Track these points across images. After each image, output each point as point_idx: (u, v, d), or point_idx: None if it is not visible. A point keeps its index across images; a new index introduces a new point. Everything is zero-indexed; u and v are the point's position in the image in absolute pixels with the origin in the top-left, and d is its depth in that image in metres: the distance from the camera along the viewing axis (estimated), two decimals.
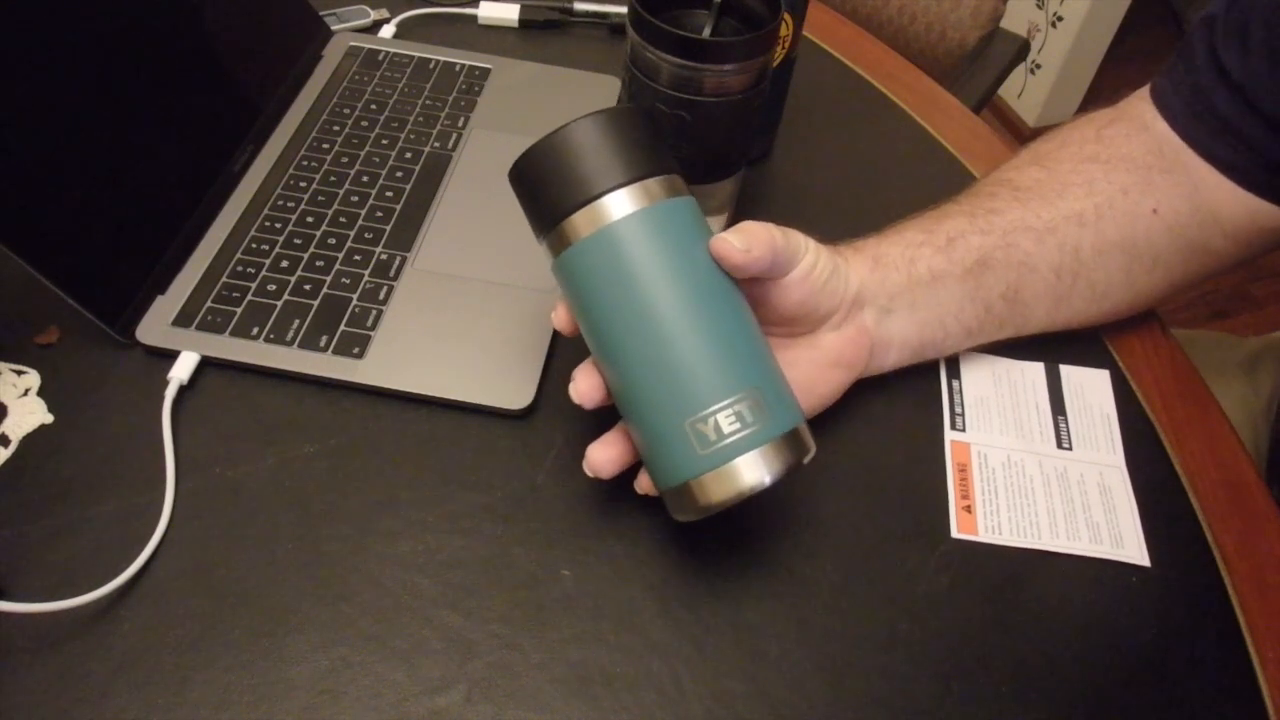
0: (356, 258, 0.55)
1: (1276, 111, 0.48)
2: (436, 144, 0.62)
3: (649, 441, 0.39)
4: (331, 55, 0.68)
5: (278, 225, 0.56)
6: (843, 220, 0.51)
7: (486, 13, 0.74)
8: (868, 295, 0.47)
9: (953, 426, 0.51)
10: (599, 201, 0.39)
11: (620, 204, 0.39)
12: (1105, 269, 0.51)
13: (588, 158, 0.39)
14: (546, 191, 0.40)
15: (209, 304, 0.51)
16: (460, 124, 0.64)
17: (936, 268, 0.48)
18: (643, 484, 0.43)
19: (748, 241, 0.40)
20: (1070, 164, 0.53)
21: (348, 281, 0.53)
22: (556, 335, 0.52)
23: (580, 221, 0.39)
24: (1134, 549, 0.47)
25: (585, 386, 0.41)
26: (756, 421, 0.38)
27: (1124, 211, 0.51)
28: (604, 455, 0.42)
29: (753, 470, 0.38)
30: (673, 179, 0.41)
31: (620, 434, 0.43)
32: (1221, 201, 0.51)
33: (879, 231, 0.50)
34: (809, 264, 0.44)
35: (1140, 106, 0.54)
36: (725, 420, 0.37)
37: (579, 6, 0.74)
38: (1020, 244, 0.50)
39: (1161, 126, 0.53)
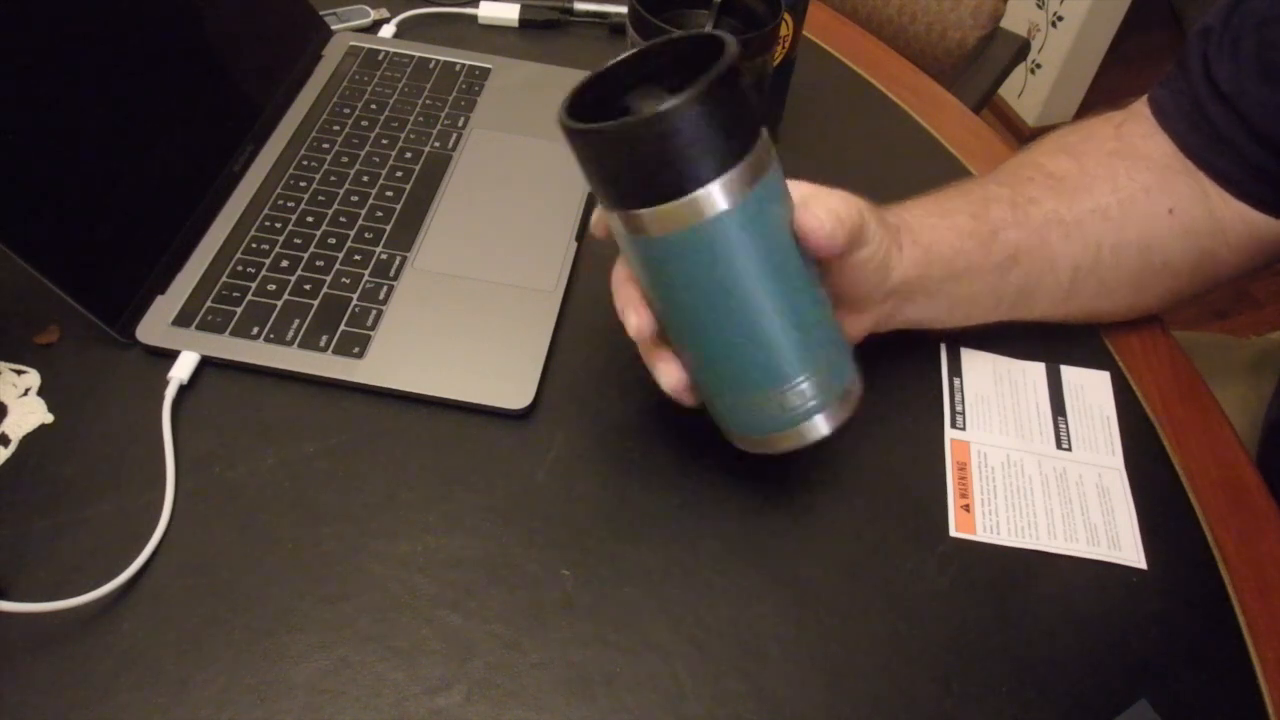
0: (356, 257, 0.55)
1: (1265, 124, 0.48)
2: (436, 144, 0.62)
3: (729, 406, 0.42)
4: (331, 55, 0.68)
5: (278, 225, 0.56)
6: None
7: (486, 12, 0.74)
8: (904, 290, 0.47)
9: (953, 425, 0.51)
10: (697, 195, 0.36)
11: (718, 198, 0.36)
12: (1117, 268, 0.51)
13: (690, 144, 0.35)
14: (636, 173, 0.36)
15: (209, 304, 0.51)
16: (460, 124, 0.64)
17: (974, 262, 0.48)
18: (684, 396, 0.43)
19: (834, 228, 0.39)
20: (1095, 157, 0.53)
21: (348, 281, 0.53)
22: (556, 335, 0.52)
23: (674, 213, 0.36)
24: (1131, 551, 0.47)
25: (677, 379, 0.42)
26: (827, 387, 0.41)
27: (1144, 211, 0.51)
28: (678, 375, 0.42)
29: (820, 427, 0.42)
30: (761, 145, 0.37)
31: (671, 358, 0.42)
32: (1224, 212, 0.51)
33: (937, 202, 0.49)
34: (868, 254, 0.43)
35: (1147, 112, 0.54)
36: (803, 391, 0.41)
37: (579, 6, 0.74)
38: (1050, 239, 0.50)
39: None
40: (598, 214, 0.41)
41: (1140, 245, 0.51)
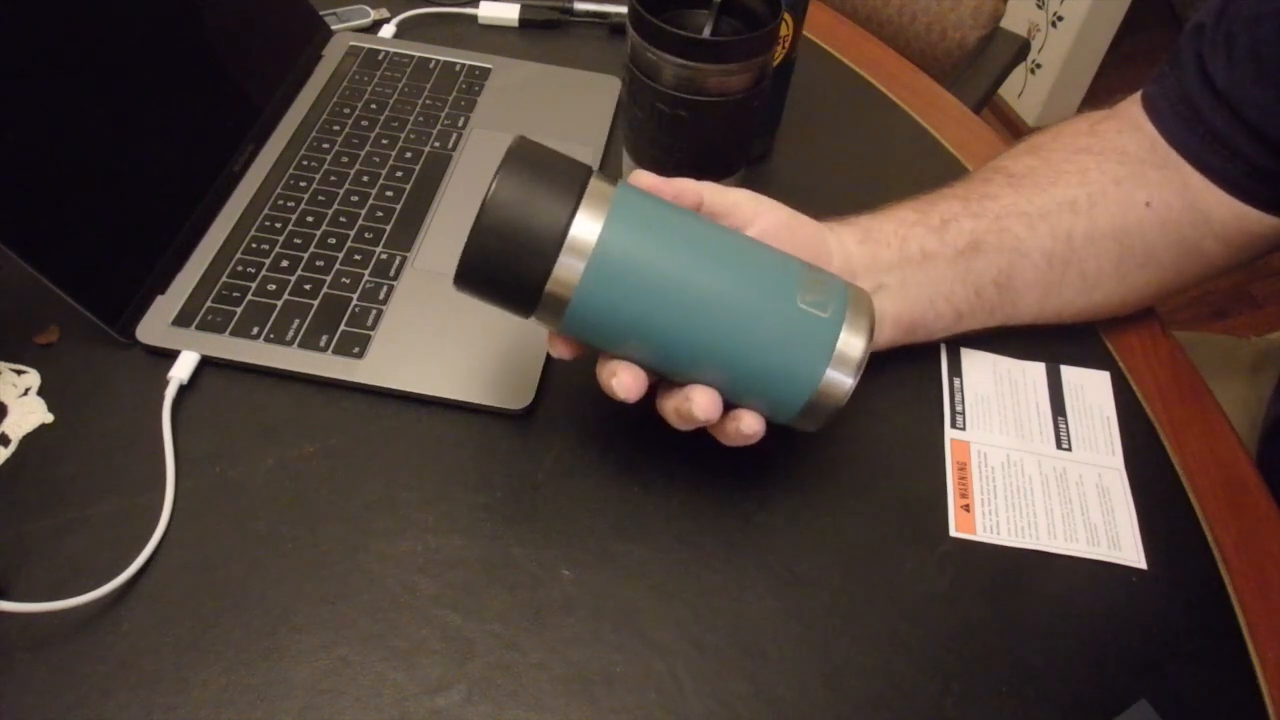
0: (356, 257, 0.55)
1: (1259, 120, 0.48)
2: (436, 144, 0.62)
3: (776, 378, 0.40)
4: (331, 55, 0.68)
5: (278, 225, 0.56)
6: None
7: (486, 12, 0.74)
8: (859, 268, 0.47)
9: (953, 425, 0.51)
10: (570, 237, 0.37)
11: (589, 224, 0.37)
12: (1096, 258, 0.51)
13: (526, 209, 0.37)
14: (510, 269, 0.38)
15: (209, 304, 0.51)
16: (460, 124, 0.64)
17: (928, 247, 0.49)
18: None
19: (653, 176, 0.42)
20: (1063, 153, 0.53)
21: (348, 281, 0.53)
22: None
23: (566, 270, 0.37)
24: (1131, 551, 0.47)
25: (631, 380, 0.40)
26: (832, 290, 0.40)
27: (1116, 201, 0.51)
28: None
29: (862, 308, 0.40)
30: (594, 171, 0.39)
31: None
32: (1211, 205, 0.51)
33: (870, 210, 0.50)
34: (777, 221, 0.44)
35: (1133, 109, 0.54)
36: (815, 286, 0.40)
37: (579, 6, 0.74)
38: (1012, 229, 0.50)
39: (1153, 129, 0.53)
40: (549, 340, 0.43)
41: (1116, 235, 0.51)
